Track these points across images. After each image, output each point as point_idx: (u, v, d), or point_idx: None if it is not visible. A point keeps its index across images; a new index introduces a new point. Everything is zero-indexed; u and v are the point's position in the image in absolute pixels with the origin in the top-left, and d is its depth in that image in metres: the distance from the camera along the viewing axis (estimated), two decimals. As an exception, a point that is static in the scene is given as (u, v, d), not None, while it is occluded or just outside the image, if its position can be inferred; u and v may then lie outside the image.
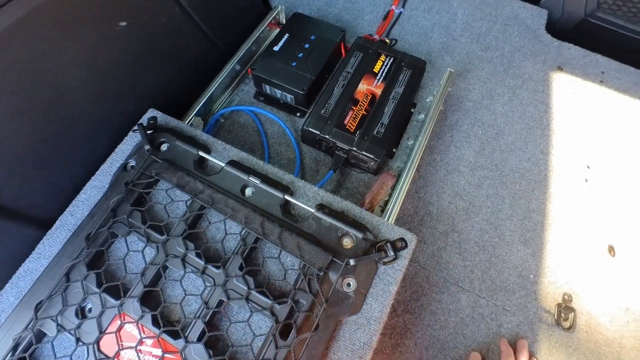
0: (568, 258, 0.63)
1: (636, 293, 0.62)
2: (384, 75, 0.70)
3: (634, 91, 0.80)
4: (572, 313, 0.59)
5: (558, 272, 0.62)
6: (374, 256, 0.47)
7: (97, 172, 0.57)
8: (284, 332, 0.45)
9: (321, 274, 0.47)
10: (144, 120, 0.61)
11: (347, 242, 0.49)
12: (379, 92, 0.68)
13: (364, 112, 0.65)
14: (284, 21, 0.84)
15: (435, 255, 0.62)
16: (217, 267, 0.48)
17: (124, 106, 0.62)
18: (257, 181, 0.53)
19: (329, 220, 0.50)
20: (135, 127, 0.58)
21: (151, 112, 0.62)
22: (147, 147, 0.55)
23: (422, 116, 0.73)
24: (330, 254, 0.47)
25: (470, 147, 0.72)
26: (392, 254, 0.48)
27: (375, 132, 0.63)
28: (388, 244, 0.48)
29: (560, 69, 0.83)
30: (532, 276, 0.61)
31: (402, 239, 0.49)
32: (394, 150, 0.69)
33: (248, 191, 0.53)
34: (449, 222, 0.65)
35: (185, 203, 0.52)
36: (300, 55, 0.73)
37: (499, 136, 0.73)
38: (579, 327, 0.59)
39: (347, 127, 0.64)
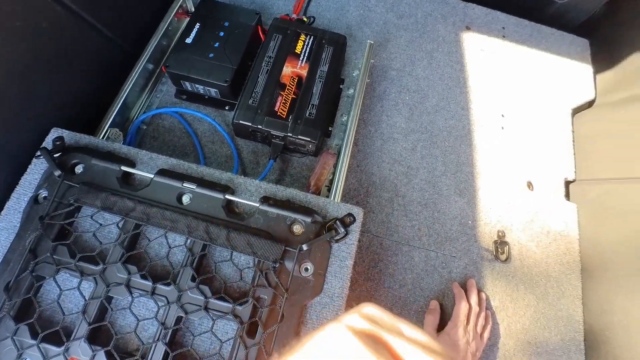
0: (497, 199, 0.71)
1: (552, 217, 0.71)
2: (306, 55, 0.69)
3: (530, 42, 0.89)
4: (507, 246, 0.67)
5: (490, 213, 0.69)
6: (325, 237, 0.48)
7: (2, 212, 0.49)
8: (252, 331, 0.44)
9: (277, 266, 0.46)
10: (47, 142, 0.53)
11: (297, 229, 0.49)
12: (304, 73, 0.67)
13: (293, 96, 0.64)
14: (192, 9, 0.78)
15: (385, 222, 0.66)
16: (167, 284, 0.45)
17: (18, 131, 0.54)
18: (193, 186, 0.50)
19: (275, 211, 0.50)
20: (39, 153, 0.51)
21: (55, 132, 0.54)
22: (57, 172, 0.49)
23: (351, 91, 0.74)
24: (283, 244, 0.47)
25: (400, 114, 0.75)
26: (343, 230, 0.49)
27: (307, 114, 0.63)
28: (337, 222, 0.49)
29: (468, 28, 0.89)
30: (470, 222, 0.68)
31: (349, 215, 0.51)
32: (329, 129, 0.70)
33: (185, 198, 0.50)
34: (392, 188, 0.68)
35: (117, 225, 0.48)
36: (217, 44, 0.69)
37: (424, 100, 0.78)
38: (514, 257, 0.67)
39: (278, 113, 0.62)
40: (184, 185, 0.50)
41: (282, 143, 0.64)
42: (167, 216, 0.48)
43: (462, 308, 0.58)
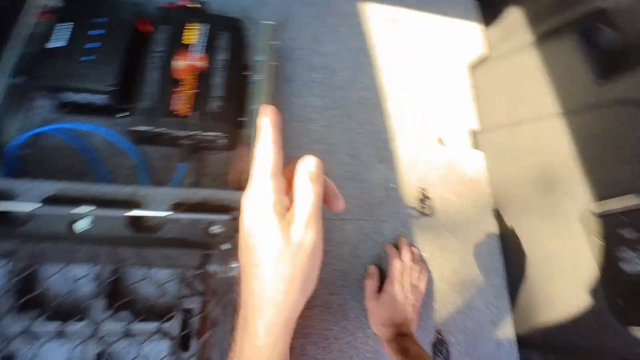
0: (414, 159, 0.75)
1: (464, 166, 0.78)
2: (201, 45, 0.64)
3: (426, 7, 0.93)
4: (430, 201, 0.72)
5: (411, 174, 0.74)
6: (244, 232, 0.46)
7: None
8: (187, 344, 0.42)
9: (200, 272, 0.44)
10: None
11: (216, 230, 0.47)
12: (202, 64, 0.62)
13: (194, 90, 0.60)
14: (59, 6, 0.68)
15: (314, 202, 0.66)
16: (79, 320, 0.41)
17: None
18: (89, 209, 0.45)
19: (188, 216, 0.47)
20: None
21: None
22: None
23: (257, 77, 0.71)
24: (202, 249, 0.45)
25: (312, 93, 0.75)
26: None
27: (212, 108, 0.60)
28: (258, 213, 0.48)
29: (365, -2, 0.90)
30: (393, 185, 0.71)
31: (270, 203, 0.50)
32: (242, 119, 0.67)
33: (82, 224, 0.45)
34: (316, 168, 0.68)
35: (5, 269, 0.41)
36: (96, 45, 0.61)
37: (334, 75, 0.78)
38: (437, 210, 0.73)
39: (178, 112, 0.58)
40: (77, 209, 0.45)
41: (191, 142, 0.60)
42: (61, 249, 0.43)
43: (395, 266, 0.62)
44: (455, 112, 0.83)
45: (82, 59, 0.59)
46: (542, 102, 0.68)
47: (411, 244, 0.68)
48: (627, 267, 0.54)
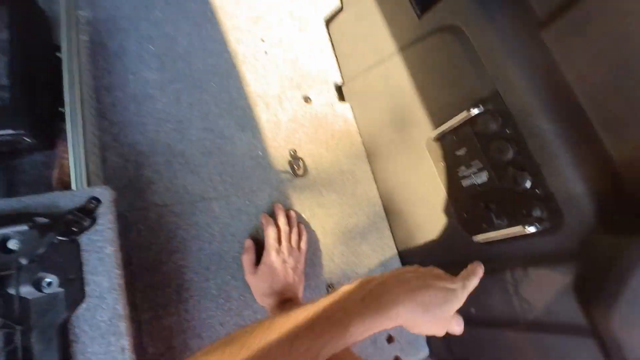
0: (279, 122, 0.73)
1: (333, 120, 0.79)
2: (-31, 23, 0.50)
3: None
4: (301, 161, 0.72)
5: (277, 137, 0.72)
6: (46, 239, 0.39)
7: None
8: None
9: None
10: None
11: (13, 245, 0.39)
12: (-26, 48, 0.49)
13: (-32, 83, 0.47)
14: None
15: (170, 188, 0.60)
16: None
17: None
18: None
19: (-32, 237, 0.37)
20: None
21: None
22: None
23: (64, 57, 0.60)
24: (-9, 272, 0.36)
25: (149, 68, 0.66)
26: (87, 219, 0.41)
27: (-1, 101, 0.48)
28: (74, 212, 0.41)
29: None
30: (260, 152, 0.69)
31: (91, 199, 0.43)
32: (53, 110, 0.56)
33: None
34: (166, 149, 0.62)
35: None
36: None
37: (174, 44, 0.70)
38: (310, 168, 0.73)
39: (-53, 112, 0.45)
40: None
41: (-18, 148, 0.48)
42: None
43: (269, 233, 0.60)
44: (318, 67, 0.82)
45: None
46: (384, 44, 0.70)
47: (288, 208, 0.67)
48: (465, 183, 0.60)
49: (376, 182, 0.79)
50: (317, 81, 0.81)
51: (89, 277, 0.41)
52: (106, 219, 0.44)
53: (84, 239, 0.42)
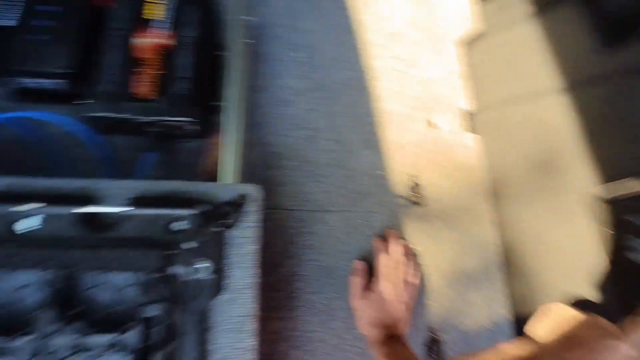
0: (404, 144, 0.70)
1: (458, 150, 0.73)
2: (166, 21, 0.58)
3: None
4: (420, 188, 0.68)
5: (400, 160, 0.69)
6: (217, 226, 0.41)
7: None
8: (149, 357, 0.38)
9: (161, 275, 0.39)
10: None
11: (180, 226, 0.42)
12: (167, 42, 0.56)
13: (158, 72, 0.54)
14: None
15: (295, 193, 0.61)
16: (24, 334, 0.36)
17: None
18: (37, 206, 0.40)
19: (150, 212, 0.42)
20: None
21: None
22: None
23: (231, 57, 0.65)
24: (164, 249, 0.40)
25: (292, 75, 0.69)
26: (236, 214, 0.43)
27: (179, 91, 0.54)
28: (227, 207, 0.43)
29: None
30: (381, 173, 0.67)
31: (241, 196, 0.45)
32: (214, 103, 0.61)
33: (27, 224, 0.40)
34: (297, 155, 0.63)
35: None
36: (49, 23, 0.54)
37: (316, 54, 0.72)
38: (429, 198, 0.68)
39: (142, 95, 0.52)
40: (20, 207, 0.39)
41: (157, 130, 0.54)
42: (3, 253, 0.38)
43: (382, 261, 0.57)
44: (447, 92, 0.78)
45: (34, 39, 0.53)
46: (542, 77, 0.63)
47: (401, 236, 0.64)
48: (636, 257, 0.49)
49: (498, 226, 0.71)
50: (445, 106, 0.77)
51: (231, 271, 0.43)
52: (255, 217, 0.45)
53: (232, 234, 0.44)
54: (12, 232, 0.39)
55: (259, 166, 0.61)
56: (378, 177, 0.66)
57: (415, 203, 0.67)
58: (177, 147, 0.60)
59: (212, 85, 0.62)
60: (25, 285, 0.38)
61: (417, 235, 0.65)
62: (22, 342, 0.36)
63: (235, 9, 0.65)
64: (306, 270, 0.58)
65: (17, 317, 0.38)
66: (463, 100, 0.79)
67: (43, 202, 0.40)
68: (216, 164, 0.57)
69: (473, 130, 0.77)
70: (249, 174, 0.60)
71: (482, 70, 0.81)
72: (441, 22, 0.83)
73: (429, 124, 0.73)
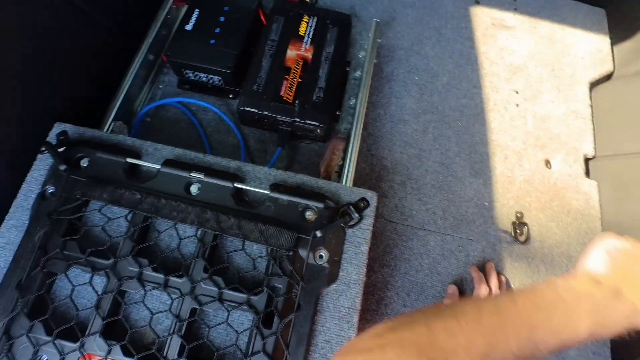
0: (514, 179, 0.68)
1: (572, 195, 0.69)
2: (310, 37, 0.66)
3: (543, 14, 0.85)
4: (526, 227, 0.65)
5: (507, 193, 0.67)
6: (339, 222, 0.46)
7: (10, 210, 0.49)
8: (267, 321, 0.43)
9: (290, 254, 0.45)
10: (52, 137, 0.52)
11: (309, 215, 0.48)
12: (309, 55, 0.64)
13: (299, 80, 0.62)
14: (190, -4, 0.76)
15: (398, 206, 0.64)
16: (180, 276, 0.44)
17: (21, 127, 0.53)
18: (200, 176, 0.49)
19: (286, 198, 0.48)
20: (43, 148, 0.50)
21: (59, 127, 0.53)
22: (62, 167, 0.48)
23: (358, 73, 0.72)
24: (295, 232, 0.46)
25: (409, 95, 0.72)
26: (357, 215, 0.47)
27: (314, 98, 0.61)
28: (350, 206, 0.48)
29: (477, 2, 0.85)
30: (486, 203, 0.66)
31: (363, 199, 0.49)
32: (337, 113, 0.67)
33: (193, 188, 0.49)
34: (404, 171, 0.66)
35: (126, 218, 0.47)
36: (217, 30, 0.66)
37: (434, 79, 0.75)
38: (533, 238, 0.65)
39: (284, 98, 0.60)
40: (191, 175, 0.49)
41: (290, 129, 0.62)
42: (176, 207, 0.47)
43: (481, 291, 0.56)
44: (569, 132, 0.74)
45: (206, 42, 0.65)
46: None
47: (499, 271, 0.62)
48: None
49: (610, 284, 0.64)
50: (564, 147, 0.73)
51: (344, 264, 0.47)
52: (369, 220, 0.49)
53: (349, 231, 0.49)
54: (188, 193, 0.48)
55: (368, 175, 0.65)
56: (482, 206, 0.65)
57: (518, 241, 0.64)
58: (299, 145, 0.67)
59: (339, 96, 0.69)
60: (188, 236, 0.47)
61: (516, 272, 0.63)
62: (178, 281, 0.44)
63: (368, 32, 0.71)
64: (399, 281, 0.59)
65: (177, 261, 0.47)
66: (584, 144, 0.74)
67: (203, 173, 0.49)
68: (331, 166, 0.63)
69: (592, 176, 0.72)
70: (359, 180, 0.64)
71: (609, 114, 0.75)
72: (570, 60, 0.79)
73: (546, 163, 0.70)
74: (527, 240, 0.65)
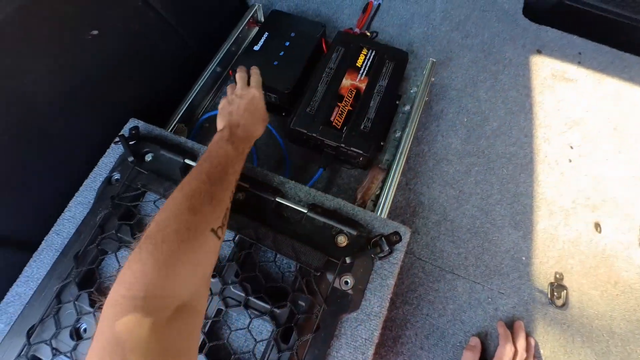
0: (557, 237, 0.65)
1: (622, 265, 0.64)
2: (367, 69, 0.69)
3: (610, 70, 0.82)
4: (565, 291, 0.61)
5: (548, 251, 0.64)
6: (369, 252, 0.47)
7: (80, 188, 0.55)
8: (286, 336, 0.45)
9: (318, 274, 0.46)
10: (125, 130, 0.59)
11: (341, 240, 0.49)
12: (363, 86, 0.67)
13: (350, 108, 0.65)
14: (262, 19, 0.83)
15: (430, 245, 0.63)
16: (213, 276, 0.47)
17: (102, 118, 0.60)
18: (246, 185, 0.52)
19: (322, 219, 0.50)
20: (117, 139, 0.57)
21: (132, 122, 0.60)
22: (130, 158, 0.54)
23: (407, 107, 0.73)
24: (326, 254, 0.47)
25: (456, 135, 0.72)
26: (387, 248, 0.48)
27: (362, 127, 0.63)
28: (382, 238, 0.48)
29: (539, 52, 0.84)
30: (524, 258, 0.63)
31: (396, 233, 0.50)
32: (382, 143, 0.69)
33: (238, 196, 0.53)
34: (441, 211, 0.65)
35: (175, 213, 0.51)
36: (282, 53, 0.72)
37: (484, 122, 0.74)
38: (572, 304, 0.61)
39: (333, 123, 0.63)
40: (238, 183, 0.52)
41: (334, 153, 0.64)
42: (220, 211, 0.50)
43: (506, 351, 0.53)
44: (625, 197, 0.69)
45: (270, 63, 0.70)
46: None
47: (529, 333, 0.58)
48: None
49: (656, 373, 0.58)
50: (618, 212, 0.68)
51: (367, 294, 0.47)
52: (399, 255, 0.49)
53: (377, 262, 0.49)
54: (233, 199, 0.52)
55: (404, 208, 0.66)
56: (519, 260, 0.63)
57: (554, 303, 0.60)
58: (340, 169, 0.69)
59: (385, 128, 0.71)
60: (226, 239, 0.50)
61: (548, 338, 0.59)
62: (212, 280, 0.47)
63: (423, 69, 0.73)
64: (419, 322, 0.58)
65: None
66: (642, 212, 0.69)
67: (249, 183, 0.52)
68: (368, 195, 0.64)
69: (648, 249, 0.66)
70: (394, 212, 0.65)
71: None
72: (636, 121, 0.75)
73: (596, 226, 0.66)
74: (564, 304, 0.60)
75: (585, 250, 0.64)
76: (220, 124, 0.52)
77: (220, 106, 0.54)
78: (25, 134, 0.51)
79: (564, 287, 0.61)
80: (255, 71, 0.61)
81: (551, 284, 0.62)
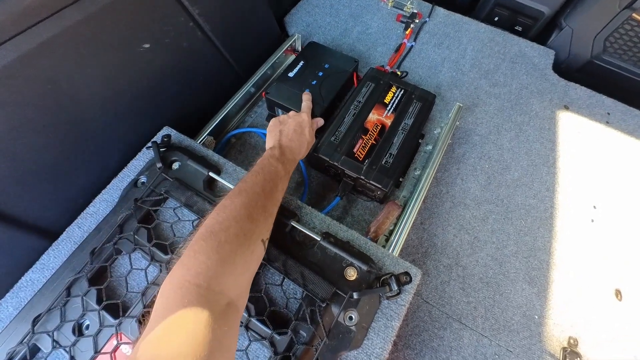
0: (574, 300, 0.62)
1: (637, 339, 0.60)
2: (394, 106, 0.71)
3: (639, 133, 0.81)
4: (578, 358, 0.58)
5: (564, 314, 0.61)
6: (378, 290, 0.46)
7: (107, 186, 0.58)
8: (285, 364, 0.44)
9: (323, 305, 0.46)
10: (158, 137, 0.62)
11: (351, 274, 0.49)
12: (388, 122, 0.69)
13: (373, 142, 0.66)
14: (299, 49, 0.87)
15: (439, 289, 0.61)
16: (219, 291, 0.47)
17: (140, 123, 0.64)
18: (264, 205, 0.53)
19: (334, 250, 0.50)
20: (149, 144, 0.59)
21: (166, 130, 0.63)
22: (159, 164, 0.56)
23: (429, 147, 0.74)
24: (334, 286, 0.47)
25: (476, 181, 0.72)
26: (396, 288, 0.47)
27: (383, 162, 0.64)
28: (392, 277, 0.48)
29: (566, 108, 0.85)
30: (536, 317, 0.60)
31: (406, 274, 0.49)
32: (400, 179, 0.69)
33: (255, 214, 0.53)
34: (454, 255, 0.64)
35: (192, 223, 0.53)
36: (314, 82, 0.75)
37: (505, 171, 0.74)
38: (585, 374, 0.57)
39: (356, 155, 0.65)
40: (257, 202, 0.53)
41: (353, 183, 0.65)
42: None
43: (511, 415, 0.50)
44: (650, 268, 0.66)
45: (302, 90, 0.73)
46: None
47: (536, 398, 0.55)
48: None
49: None
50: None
51: (371, 334, 0.46)
52: (407, 297, 0.48)
53: (384, 301, 0.48)
54: (249, 218, 0.53)
55: (416, 248, 0.65)
56: (531, 319, 0.60)
57: (566, 371, 0.57)
58: (357, 200, 0.70)
59: (406, 165, 0.71)
60: (236, 257, 0.51)
61: (556, 409, 0.55)
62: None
63: (453, 115, 0.74)
64: (420, 369, 0.56)
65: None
66: (667, 285, 0.65)
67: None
68: (382, 229, 0.64)
69: (672, 326, 0.62)
70: (405, 250, 0.64)
71: None
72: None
73: (616, 293, 0.63)
74: (577, 374, 0.57)
75: (603, 318, 0.61)
76: (269, 141, 0.55)
77: (270, 124, 0.58)
78: (69, 129, 0.54)
79: (577, 355, 0.58)
80: (307, 97, 0.65)
81: (564, 349, 0.58)
